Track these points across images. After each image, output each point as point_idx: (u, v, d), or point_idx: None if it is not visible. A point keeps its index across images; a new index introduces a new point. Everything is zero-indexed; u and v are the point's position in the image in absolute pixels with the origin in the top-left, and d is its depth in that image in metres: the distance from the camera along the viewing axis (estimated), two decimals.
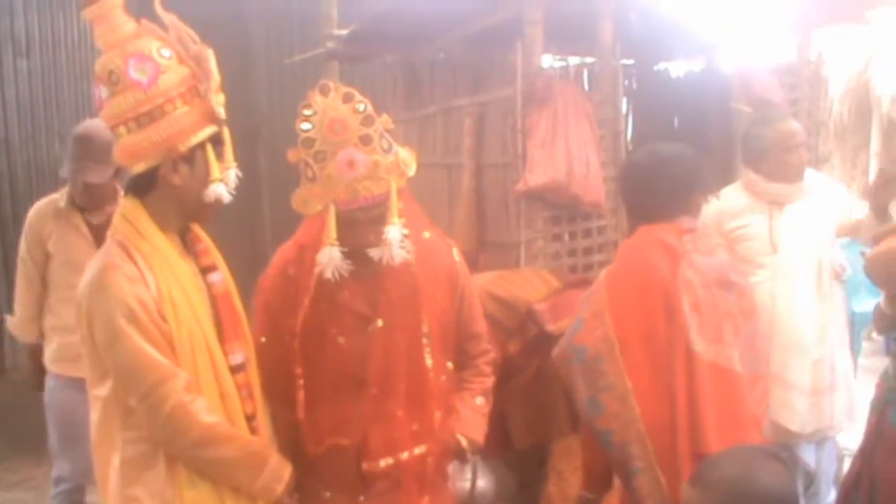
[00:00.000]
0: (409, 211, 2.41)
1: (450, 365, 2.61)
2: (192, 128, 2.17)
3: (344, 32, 5.48)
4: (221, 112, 2.22)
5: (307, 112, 2.30)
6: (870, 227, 3.26)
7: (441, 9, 4.35)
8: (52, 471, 4.08)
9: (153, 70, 2.13)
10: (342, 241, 2.30)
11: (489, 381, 2.74)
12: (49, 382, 3.97)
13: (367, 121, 2.28)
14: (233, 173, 2.25)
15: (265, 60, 7.52)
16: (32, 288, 3.91)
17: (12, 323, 4.00)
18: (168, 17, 2.22)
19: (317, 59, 6.03)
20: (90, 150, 3.65)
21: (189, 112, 2.17)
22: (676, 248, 2.67)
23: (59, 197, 3.86)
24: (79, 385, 3.82)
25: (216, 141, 2.22)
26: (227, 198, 2.23)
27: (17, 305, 3.96)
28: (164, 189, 2.20)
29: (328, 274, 2.32)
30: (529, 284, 3.71)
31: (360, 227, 2.33)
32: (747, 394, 2.47)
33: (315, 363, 2.46)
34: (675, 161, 2.81)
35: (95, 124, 3.59)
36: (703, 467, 2.14)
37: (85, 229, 3.82)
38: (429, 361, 2.49)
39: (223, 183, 2.21)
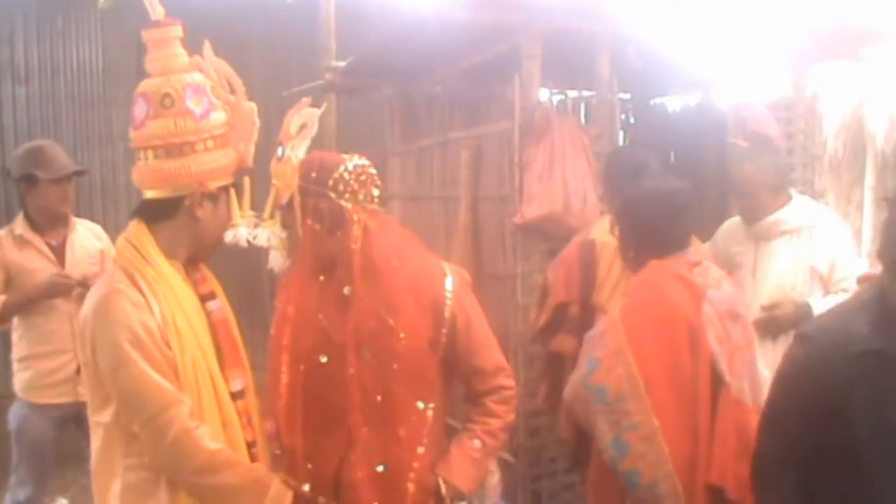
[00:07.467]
0: (384, 237, 2.37)
1: (429, 403, 2.42)
2: (226, 170, 2.29)
3: (342, 64, 5.51)
4: (251, 163, 2.34)
5: None
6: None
7: (439, 42, 4.37)
8: (6, 495, 4.06)
9: (207, 105, 2.24)
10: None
11: (496, 423, 2.53)
12: (21, 411, 3.99)
13: None
14: (252, 222, 2.35)
15: (263, 91, 7.50)
16: None
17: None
18: (217, 62, 2.32)
19: (315, 91, 6.05)
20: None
21: (226, 154, 2.28)
22: (695, 282, 2.66)
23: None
24: (48, 412, 3.93)
25: (238, 187, 2.34)
26: (243, 244, 2.32)
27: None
28: (183, 219, 2.26)
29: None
30: None
31: None
32: (754, 425, 2.44)
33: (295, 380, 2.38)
34: (680, 194, 2.81)
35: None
36: None
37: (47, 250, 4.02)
38: (403, 394, 2.35)
39: (243, 227, 2.31)
